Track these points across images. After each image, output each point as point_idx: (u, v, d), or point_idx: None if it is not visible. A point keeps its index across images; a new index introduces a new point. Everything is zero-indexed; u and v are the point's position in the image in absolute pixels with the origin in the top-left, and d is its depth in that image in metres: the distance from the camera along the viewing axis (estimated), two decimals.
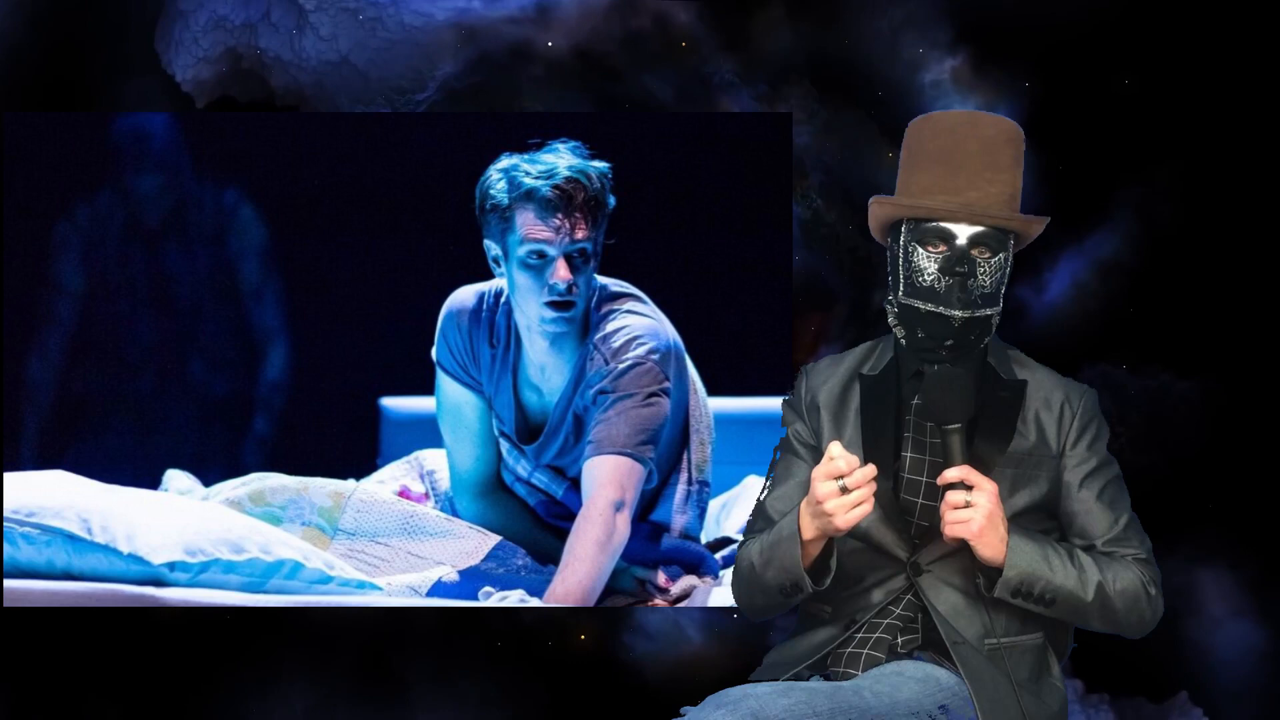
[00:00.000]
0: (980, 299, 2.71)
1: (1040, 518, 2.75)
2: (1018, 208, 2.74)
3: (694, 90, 5.03)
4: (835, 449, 2.61)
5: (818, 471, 2.62)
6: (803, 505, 2.66)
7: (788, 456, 2.86)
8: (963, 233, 2.70)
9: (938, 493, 2.68)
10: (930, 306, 2.71)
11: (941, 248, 2.70)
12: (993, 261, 2.71)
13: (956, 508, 2.63)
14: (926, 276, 2.71)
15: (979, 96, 4.98)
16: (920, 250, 2.71)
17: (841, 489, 2.60)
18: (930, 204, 2.70)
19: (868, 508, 2.61)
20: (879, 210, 2.77)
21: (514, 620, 4.74)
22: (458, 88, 5.02)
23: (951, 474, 2.64)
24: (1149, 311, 4.97)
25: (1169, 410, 5.00)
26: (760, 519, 2.85)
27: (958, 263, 2.69)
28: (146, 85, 5.14)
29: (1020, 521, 2.71)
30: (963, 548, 2.68)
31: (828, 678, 2.72)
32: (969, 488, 2.63)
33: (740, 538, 3.88)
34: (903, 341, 2.76)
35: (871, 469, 2.61)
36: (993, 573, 2.66)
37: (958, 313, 2.70)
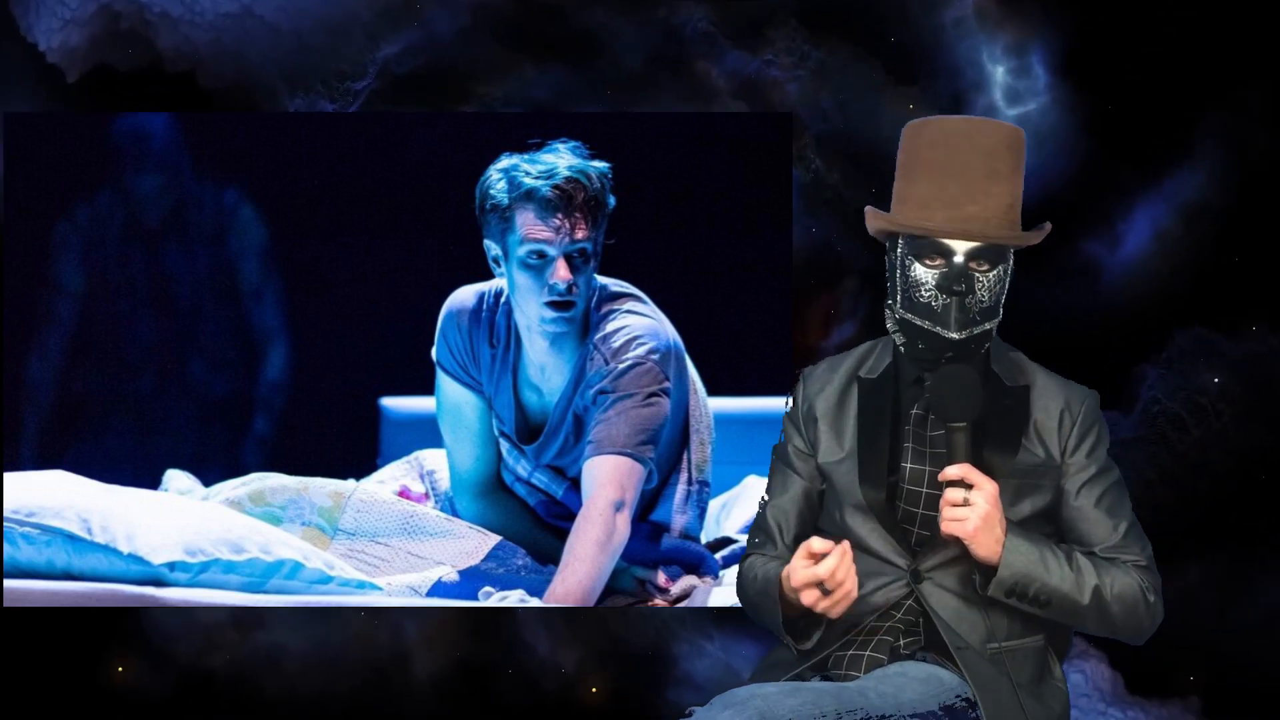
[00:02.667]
0: (978, 315, 2.69)
1: (1042, 523, 2.75)
2: (1017, 216, 2.71)
3: (662, 44, 4.51)
4: (807, 566, 2.60)
5: (797, 579, 2.60)
6: (784, 580, 2.65)
7: (783, 469, 2.86)
8: (960, 248, 2.67)
9: (938, 503, 2.68)
10: (928, 324, 2.69)
11: (939, 262, 2.68)
12: (991, 275, 2.69)
13: (954, 505, 2.63)
14: (924, 292, 2.69)
15: (1009, 33, 4.47)
16: (917, 264, 2.69)
17: (823, 591, 2.60)
18: (926, 224, 2.67)
19: (852, 587, 2.60)
20: (874, 223, 2.76)
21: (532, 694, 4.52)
22: (388, 50, 4.38)
23: (951, 471, 2.63)
24: (1247, 261, 4.30)
25: (1279, 377, 4.34)
26: (760, 533, 2.86)
27: (955, 280, 2.67)
28: (2, 58, 4.39)
29: (1024, 527, 2.70)
30: (963, 555, 2.67)
31: (829, 679, 2.72)
32: (969, 486, 2.63)
33: (740, 538, 3.89)
34: (902, 349, 2.76)
35: (840, 562, 2.59)
36: (989, 571, 2.66)
37: (954, 335, 2.68)
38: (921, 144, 2.71)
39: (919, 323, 2.69)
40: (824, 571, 2.58)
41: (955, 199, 2.67)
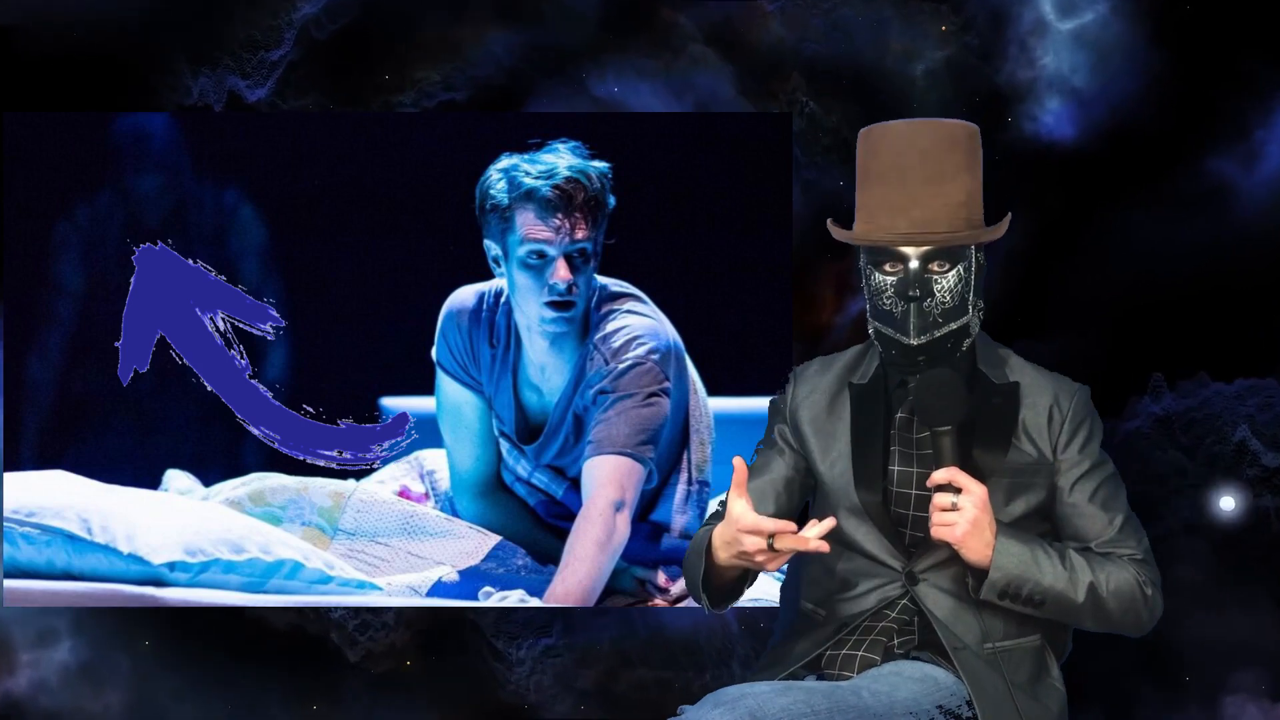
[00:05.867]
0: (941, 316, 2.69)
1: (1037, 521, 2.75)
2: (975, 213, 2.71)
3: None
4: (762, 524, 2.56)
5: (743, 524, 2.56)
6: (718, 535, 2.63)
7: (768, 452, 2.86)
8: (914, 252, 2.69)
9: (928, 503, 2.68)
10: (890, 331, 2.71)
11: (897, 267, 2.70)
12: (950, 275, 2.69)
13: (943, 510, 2.63)
14: (885, 300, 2.71)
15: None
16: (876, 272, 2.71)
17: (770, 547, 2.57)
18: (873, 236, 2.69)
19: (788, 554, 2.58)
20: (835, 235, 2.77)
21: None
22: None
23: (939, 476, 2.63)
24: None
25: None
26: (723, 507, 2.85)
27: (911, 285, 2.68)
28: None
29: (1017, 526, 2.70)
30: (957, 556, 2.67)
31: (822, 679, 2.72)
32: (957, 490, 2.63)
33: None
34: (881, 355, 2.77)
35: (800, 541, 2.55)
36: (981, 574, 2.66)
37: (913, 341, 2.69)
38: (869, 151, 2.73)
39: (884, 330, 2.72)
40: (773, 525, 2.54)
41: (900, 204, 2.68)
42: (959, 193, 2.69)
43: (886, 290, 2.70)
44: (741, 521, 2.56)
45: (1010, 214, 2.74)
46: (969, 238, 2.70)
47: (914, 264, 2.68)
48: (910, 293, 2.67)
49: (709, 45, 4.18)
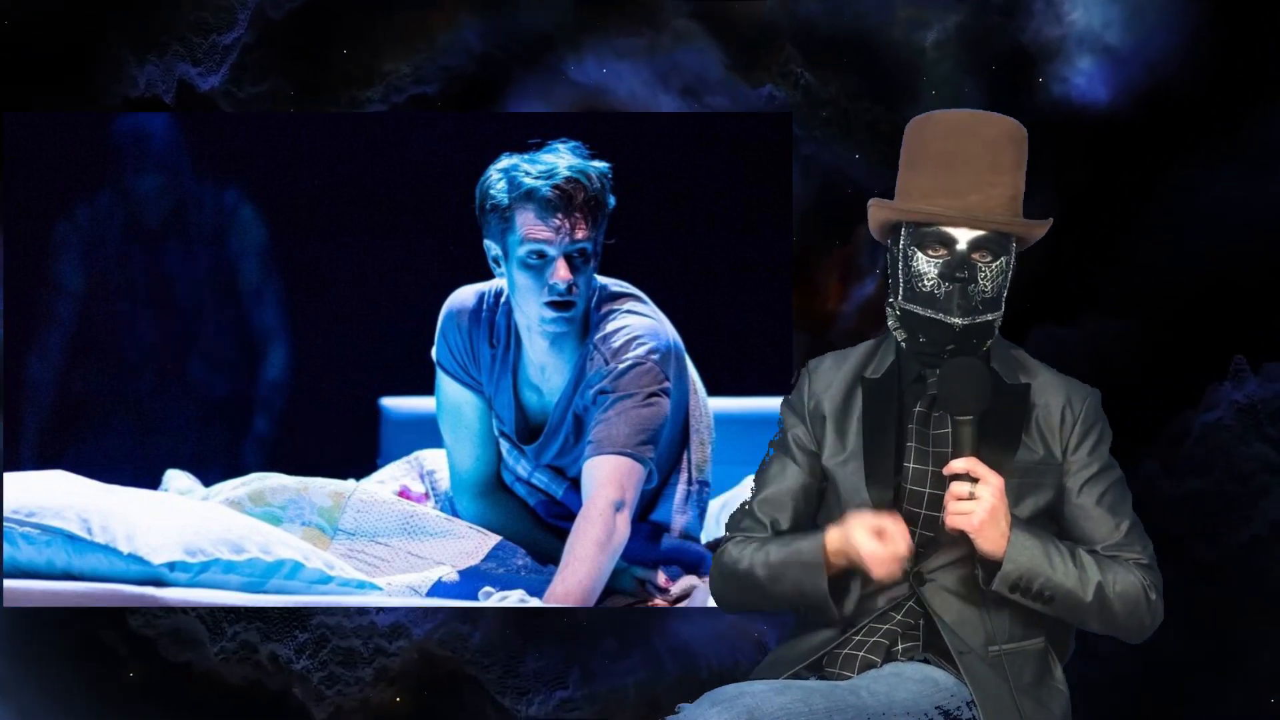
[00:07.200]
0: (981, 304, 2.69)
1: (1045, 522, 2.74)
2: (1020, 210, 2.72)
3: None
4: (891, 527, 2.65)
5: (871, 528, 2.65)
6: (834, 540, 2.68)
7: (783, 458, 2.83)
8: (963, 237, 2.69)
9: (941, 503, 2.67)
10: (930, 313, 2.69)
11: (942, 252, 2.69)
12: (994, 266, 2.70)
13: (960, 499, 2.62)
14: (926, 282, 2.70)
15: None
16: (920, 254, 2.70)
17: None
18: (930, 209, 2.68)
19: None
20: (878, 213, 2.76)
21: None
22: None
23: (958, 465, 2.63)
24: None
25: None
26: (749, 519, 2.83)
27: (958, 268, 2.67)
28: None
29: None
30: (965, 557, 2.68)
31: (823, 678, 2.72)
32: (975, 480, 2.63)
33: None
34: (903, 345, 2.76)
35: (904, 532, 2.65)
36: (992, 566, 2.65)
37: (958, 320, 2.68)
38: (925, 138, 2.73)
39: (921, 312, 2.70)
40: (905, 549, 2.63)
41: (958, 189, 2.68)
42: (1011, 186, 2.71)
43: (929, 273, 2.69)
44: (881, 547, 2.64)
45: (1052, 219, 2.73)
46: (1023, 227, 2.71)
47: (961, 247, 2.68)
48: (958, 274, 2.67)
49: (694, 19, 4.01)
